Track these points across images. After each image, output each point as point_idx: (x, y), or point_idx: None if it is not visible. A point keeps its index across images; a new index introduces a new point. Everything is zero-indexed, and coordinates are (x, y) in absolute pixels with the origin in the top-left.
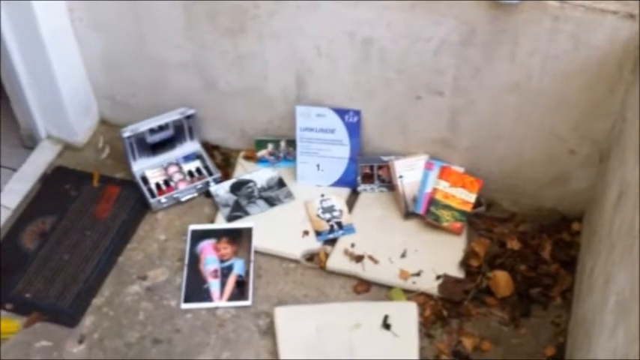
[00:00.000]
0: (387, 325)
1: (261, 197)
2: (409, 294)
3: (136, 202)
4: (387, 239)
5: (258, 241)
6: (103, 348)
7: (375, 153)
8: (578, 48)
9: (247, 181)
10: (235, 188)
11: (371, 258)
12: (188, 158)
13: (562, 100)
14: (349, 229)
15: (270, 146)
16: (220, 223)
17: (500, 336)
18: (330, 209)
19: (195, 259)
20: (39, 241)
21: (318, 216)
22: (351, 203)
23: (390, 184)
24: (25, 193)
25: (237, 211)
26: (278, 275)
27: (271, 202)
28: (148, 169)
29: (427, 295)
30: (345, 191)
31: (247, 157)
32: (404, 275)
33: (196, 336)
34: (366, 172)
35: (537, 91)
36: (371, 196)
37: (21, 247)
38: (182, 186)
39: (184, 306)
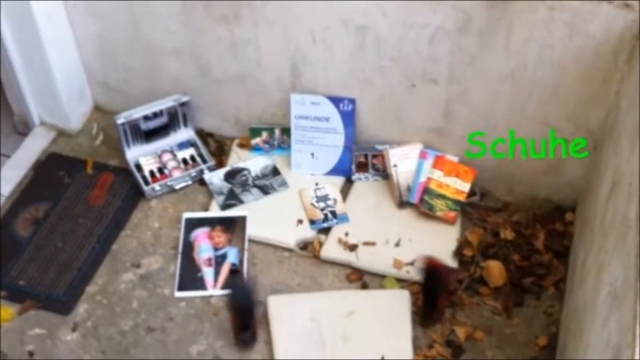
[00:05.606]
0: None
1: (255, 185)
2: (402, 283)
3: (129, 189)
4: (381, 228)
5: (252, 230)
6: (97, 336)
7: (370, 141)
8: (574, 37)
9: (241, 169)
10: (229, 176)
11: (365, 246)
12: (182, 146)
13: (556, 90)
14: (343, 218)
15: (265, 134)
16: (214, 211)
17: (493, 325)
18: (324, 198)
19: (189, 247)
20: (32, 228)
21: (313, 205)
22: (345, 192)
23: (384, 173)
24: (19, 180)
25: (232, 199)
26: (272, 264)
27: (265, 191)
28: (142, 156)
29: (420, 284)
30: (340, 180)
31: (242, 145)
32: (398, 264)
33: (190, 324)
34: (361, 160)
35: (532, 80)
36: (365, 185)
37: (14, 234)
38: (176, 174)
39: (178, 294)
